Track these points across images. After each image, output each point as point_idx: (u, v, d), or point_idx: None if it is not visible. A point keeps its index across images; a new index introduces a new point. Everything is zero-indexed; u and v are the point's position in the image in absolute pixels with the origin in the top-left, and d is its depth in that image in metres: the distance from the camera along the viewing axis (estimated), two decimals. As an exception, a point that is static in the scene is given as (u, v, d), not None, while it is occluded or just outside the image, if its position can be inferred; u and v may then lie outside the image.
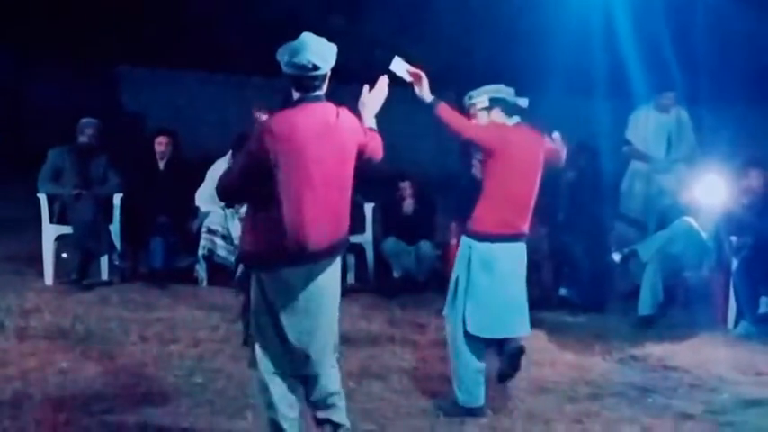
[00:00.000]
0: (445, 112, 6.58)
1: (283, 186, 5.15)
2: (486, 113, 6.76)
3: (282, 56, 5.32)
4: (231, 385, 6.93)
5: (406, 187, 10.95)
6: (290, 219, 5.16)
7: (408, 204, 10.85)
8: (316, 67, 5.29)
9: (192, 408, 6.43)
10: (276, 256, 5.21)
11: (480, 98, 6.78)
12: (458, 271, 6.65)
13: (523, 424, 6.46)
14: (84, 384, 6.81)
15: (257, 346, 5.39)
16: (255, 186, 5.20)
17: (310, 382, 5.49)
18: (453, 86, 20.09)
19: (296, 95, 5.35)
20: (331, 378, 5.55)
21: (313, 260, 5.28)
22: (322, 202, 5.25)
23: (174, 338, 8.08)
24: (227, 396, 6.72)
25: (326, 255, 5.34)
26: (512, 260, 6.67)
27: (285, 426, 5.41)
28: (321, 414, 5.55)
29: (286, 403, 5.42)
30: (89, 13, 19.05)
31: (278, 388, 5.40)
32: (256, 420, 6.19)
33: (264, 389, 5.39)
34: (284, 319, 5.30)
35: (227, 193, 5.50)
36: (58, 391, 6.63)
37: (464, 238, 6.70)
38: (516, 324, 6.72)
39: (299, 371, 5.43)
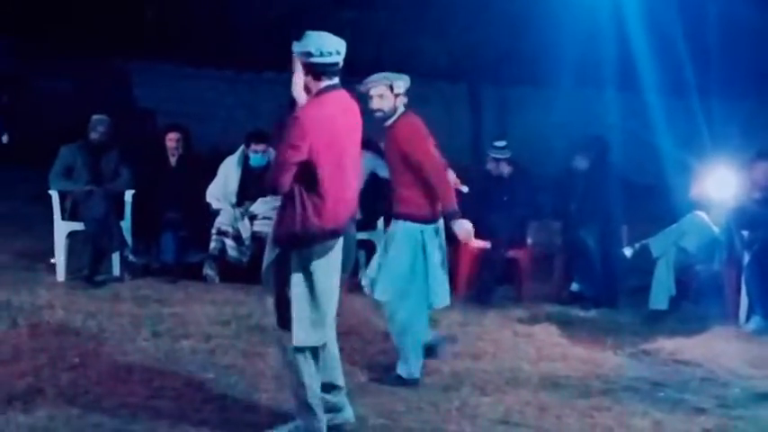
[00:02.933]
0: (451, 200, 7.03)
1: (323, 171, 5.59)
2: (395, 98, 7.06)
3: (308, 47, 5.66)
4: (243, 380, 6.94)
5: None
6: (331, 199, 5.64)
7: None
8: (339, 54, 5.71)
9: (203, 403, 6.43)
10: (320, 234, 5.65)
11: (399, 83, 7.07)
12: (410, 255, 7.03)
13: (535, 418, 6.46)
14: (96, 380, 6.82)
15: (301, 321, 5.66)
16: (298, 174, 5.58)
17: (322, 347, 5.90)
18: (465, 78, 20.08)
19: (319, 85, 5.72)
20: (334, 341, 6.07)
21: (343, 232, 5.82)
22: (349, 181, 5.81)
23: (186, 334, 8.09)
24: (238, 391, 6.72)
25: (350, 226, 5.90)
26: (443, 234, 7.23)
27: (318, 392, 5.84)
28: (326, 378, 5.95)
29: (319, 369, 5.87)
30: (100, 9, 19.08)
31: (317, 356, 5.82)
32: (269, 415, 6.21)
33: (307, 358, 5.75)
34: (321, 287, 5.70)
35: (279, 188, 5.66)
36: (70, 386, 6.64)
37: (409, 224, 7.06)
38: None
39: (326, 337, 5.83)
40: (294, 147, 5.52)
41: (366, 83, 7.04)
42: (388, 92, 7.01)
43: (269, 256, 5.79)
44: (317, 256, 5.68)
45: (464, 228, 6.96)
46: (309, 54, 5.63)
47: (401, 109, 7.09)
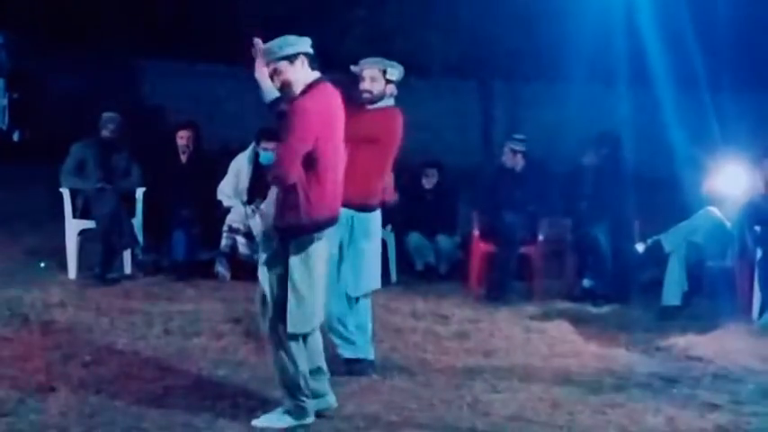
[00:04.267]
0: None
1: (325, 160, 5.80)
2: (386, 84, 7.11)
3: (302, 42, 5.94)
4: (255, 378, 6.93)
5: (433, 174, 11.02)
6: (330, 187, 5.89)
7: (430, 188, 10.96)
8: None
9: (216, 400, 6.43)
10: (323, 222, 5.89)
11: (393, 70, 7.16)
12: (337, 240, 6.91)
13: (547, 414, 6.44)
14: (108, 377, 6.82)
15: (299, 308, 5.82)
16: (301, 165, 5.75)
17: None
18: (475, 75, 20.05)
19: (313, 75, 5.92)
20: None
21: (338, 219, 6.13)
22: (341, 169, 6.06)
23: (198, 331, 8.09)
24: (250, 388, 6.71)
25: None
26: (378, 225, 7.34)
27: (309, 376, 6.02)
28: (311, 363, 6.09)
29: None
30: (109, 5, 19.09)
31: (307, 341, 6.02)
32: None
33: (299, 344, 5.94)
34: (317, 274, 5.91)
35: (288, 179, 5.76)
36: (82, 383, 6.64)
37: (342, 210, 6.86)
38: (378, 278, 7.36)
39: (319, 322, 6.13)
40: (302, 138, 5.68)
41: (361, 63, 7.12)
42: (381, 76, 7.08)
43: (266, 247, 5.96)
44: (314, 243, 5.87)
45: None
46: (310, 45, 5.90)
47: (390, 100, 7.16)
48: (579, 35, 14.78)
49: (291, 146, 5.71)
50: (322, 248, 5.95)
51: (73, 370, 6.95)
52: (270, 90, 5.95)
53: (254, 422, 6.03)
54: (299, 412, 5.99)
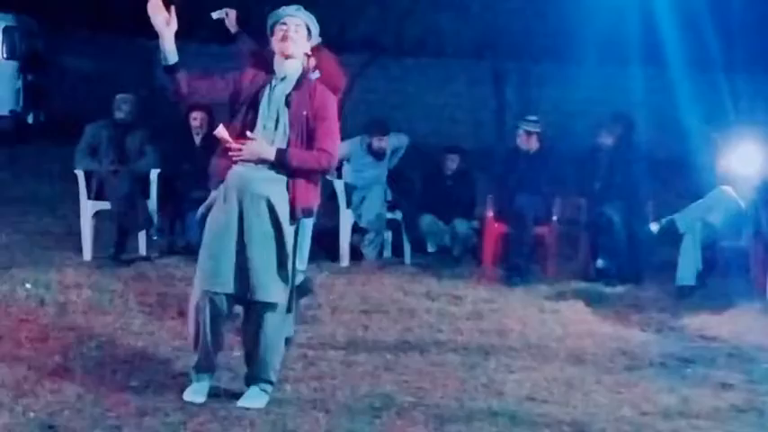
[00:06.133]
0: None
1: None
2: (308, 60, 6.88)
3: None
4: (270, 358, 6.93)
5: (454, 159, 10.99)
6: None
7: (451, 173, 10.94)
8: None
9: (231, 381, 6.44)
10: None
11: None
12: None
13: (562, 395, 6.45)
14: (124, 358, 6.84)
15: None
16: None
17: None
18: (488, 58, 19.98)
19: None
20: None
21: None
22: None
23: (212, 312, 8.09)
24: (265, 369, 6.72)
25: None
26: None
27: None
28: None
29: None
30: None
31: None
32: (295, 392, 6.22)
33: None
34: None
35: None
36: (97, 365, 6.66)
37: None
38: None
39: None
40: (337, 119, 5.95)
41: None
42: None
43: (288, 230, 5.89)
44: None
45: None
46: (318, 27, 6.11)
47: (315, 74, 7.11)
48: (592, 16, 14.74)
49: (337, 131, 5.94)
50: None
51: (89, 351, 6.97)
52: (173, 53, 6.17)
53: (240, 403, 6.01)
54: (269, 388, 6.09)
